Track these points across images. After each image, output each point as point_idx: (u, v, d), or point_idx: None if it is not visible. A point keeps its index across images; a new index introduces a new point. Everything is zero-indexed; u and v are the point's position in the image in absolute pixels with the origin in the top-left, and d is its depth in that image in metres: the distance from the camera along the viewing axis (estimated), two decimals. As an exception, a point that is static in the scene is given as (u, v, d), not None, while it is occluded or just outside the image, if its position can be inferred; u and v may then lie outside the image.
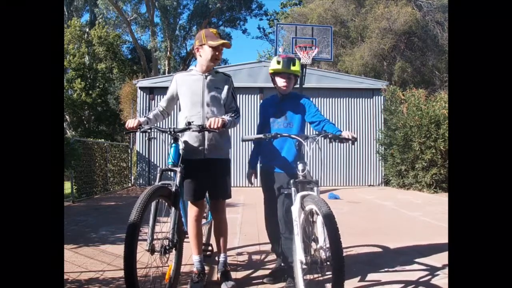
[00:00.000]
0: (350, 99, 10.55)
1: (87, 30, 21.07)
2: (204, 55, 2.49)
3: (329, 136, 2.33)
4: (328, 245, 1.92)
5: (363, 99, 10.59)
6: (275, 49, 9.88)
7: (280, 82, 2.63)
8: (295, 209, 2.09)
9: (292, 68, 2.59)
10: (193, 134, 2.45)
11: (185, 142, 2.46)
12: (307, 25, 12.74)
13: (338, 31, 17.08)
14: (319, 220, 2.02)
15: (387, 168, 9.81)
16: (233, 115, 2.52)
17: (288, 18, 19.79)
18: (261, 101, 2.81)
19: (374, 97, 10.57)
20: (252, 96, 10.35)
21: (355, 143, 2.32)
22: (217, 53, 2.49)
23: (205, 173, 2.50)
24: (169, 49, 21.98)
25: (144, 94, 10.39)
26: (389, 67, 17.21)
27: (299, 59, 8.65)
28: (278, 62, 2.60)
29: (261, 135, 2.35)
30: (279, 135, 2.36)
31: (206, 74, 2.53)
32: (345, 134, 2.31)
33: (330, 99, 10.47)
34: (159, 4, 21.10)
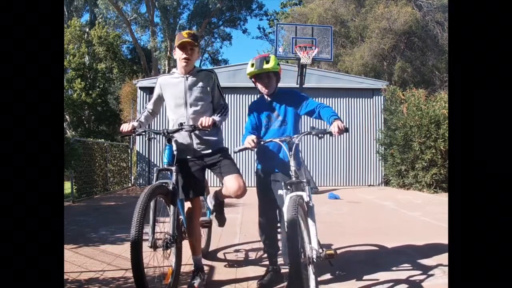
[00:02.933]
0: (350, 99, 10.55)
1: (87, 30, 21.06)
2: (176, 57, 2.51)
3: (313, 133, 2.29)
4: (313, 245, 1.97)
5: (363, 99, 10.58)
6: (275, 49, 9.89)
7: (260, 85, 2.55)
8: (285, 210, 2.09)
9: (265, 66, 2.44)
10: (182, 134, 2.49)
11: (176, 142, 2.48)
12: (307, 25, 12.74)
13: (338, 31, 17.08)
14: (309, 221, 2.04)
15: (387, 168, 9.80)
16: (222, 112, 2.53)
17: (288, 18, 19.78)
18: (250, 103, 2.73)
19: (374, 97, 10.57)
20: (252, 96, 10.33)
21: (346, 134, 2.30)
22: (183, 52, 2.45)
23: (198, 171, 2.52)
24: (169, 49, 21.94)
25: (144, 94, 10.39)
26: (389, 67, 17.21)
27: (299, 59, 8.63)
28: (252, 65, 2.49)
29: (247, 146, 2.33)
30: (262, 141, 2.35)
31: (187, 75, 2.52)
32: (332, 127, 2.24)
33: (330, 99, 10.46)
34: (159, 4, 21.10)
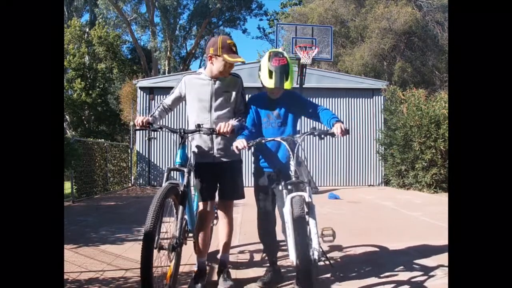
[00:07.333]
0: (350, 99, 10.54)
1: (87, 30, 21.06)
2: (216, 65, 2.41)
3: (315, 133, 2.27)
4: (316, 246, 1.95)
5: (363, 99, 10.58)
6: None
7: (269, 89, 2.46)
8: (286, 211, 2.08)
9: (285, 85, 2.37)
10: (203, 138, 2.47)
11: (195, 146, 2.47)
12: (307, 25, 12.73)
13: (338, 31, 17.08)
14: (311, 221, 2.03)
15: (387, 168, 9.80)
16: (240, 118, 2.48)
17: (288, 18, 19.75)
18: (249, 96, 2.66)
19: (374, 97, 10.57)
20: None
21: (347, 135, 2.27)
22: (227, 67, 2.40)
23: (214, 176, 2.51)
24: (169, 49, 21.96)
25: (144, 94, 10.38)
26: (389, 67, 17.21)
27: (299, 59, 8.62)
28: (271, 75, 2.36)
29: (248, 144, 2.28)
30: (263, 141, 2.32)
31: (215, 78, 2.48)
32: (335, 129, 2.25)
33: (330, 99, 10.46)
34: (159, 4, 21.08)
